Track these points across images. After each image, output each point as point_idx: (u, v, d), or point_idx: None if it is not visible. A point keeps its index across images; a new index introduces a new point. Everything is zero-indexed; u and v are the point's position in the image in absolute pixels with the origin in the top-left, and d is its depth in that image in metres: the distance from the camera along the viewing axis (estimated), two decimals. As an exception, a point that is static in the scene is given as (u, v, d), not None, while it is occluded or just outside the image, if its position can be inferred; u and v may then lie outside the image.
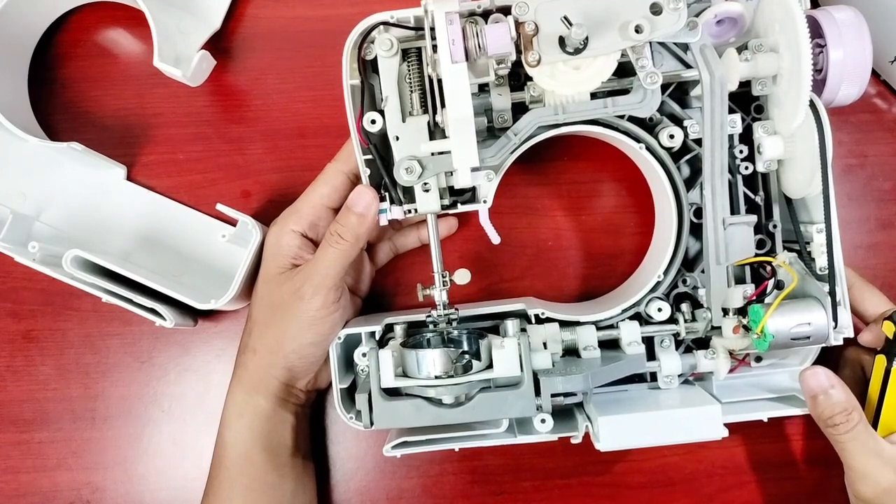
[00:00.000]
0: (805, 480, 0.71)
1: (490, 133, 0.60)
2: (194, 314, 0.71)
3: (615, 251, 0.71)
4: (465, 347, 0.56)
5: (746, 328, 0.59)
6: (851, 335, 0.59)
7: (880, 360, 0.59)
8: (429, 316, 0.60)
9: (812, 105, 0.56)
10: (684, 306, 0.63)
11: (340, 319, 0.61)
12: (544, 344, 0.61)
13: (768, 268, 0.62)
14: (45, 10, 0.70)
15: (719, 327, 0.61)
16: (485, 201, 0.59)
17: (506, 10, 0.54)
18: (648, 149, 0.61)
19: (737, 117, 0.60)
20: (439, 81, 0.54)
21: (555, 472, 0.71)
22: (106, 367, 0.71)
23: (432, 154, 0.56)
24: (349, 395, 0.62)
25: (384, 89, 0.56)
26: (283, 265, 0.62)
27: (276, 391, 0.62)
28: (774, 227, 0.62)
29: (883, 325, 0.59)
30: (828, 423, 0.58)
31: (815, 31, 0.57)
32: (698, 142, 0.60)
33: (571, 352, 0.62)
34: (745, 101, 0.62)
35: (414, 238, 0.69)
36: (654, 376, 0.64)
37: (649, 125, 0.61)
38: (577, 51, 0.52)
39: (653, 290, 0.63)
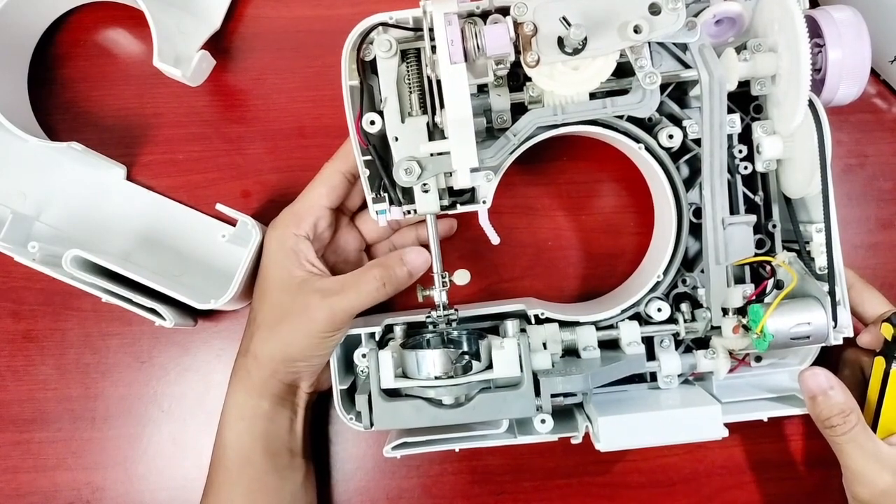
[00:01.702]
0: (805, 480, 0.71)
1: (489, 133, 0.60)
2: (194, 314, 0.71)
3: (615, 251, 0.71)
4: (465, 348, 0.56)
5: (746, 328, 0.59)
6: (851, 335, 0.59)
7: (879, 363, 0.59)
8: (428, 316, 0.60)
9: (811, 105, 0.56)
10: (684, 306, 0.63)
11: (344, 333, 0.61)
12: (544, 344, 0.61)
13: (768, 267, 0.62)
14: (45, 10, 0.70)
15: (719, 327, 0.61)
16: (484, 202, 0.59)
17: (504, 11, 0.54)
18: (648, 149, 0.61)
19: (736, 117, 0.60)
20: (438, 82, 0.54)
21: (555, 472, 0.71)
22: (106, 367, 0.71)
23: (431, 155, 0.56)
24: (349, 395, 0.62)
25: (383, 90, 0.56)
26: (294, 273, 0.61)
27: (278, 393, 0.62)
28: (774, 226, 0.62)
29: (881, 327, 0.59)
30: (826, 424, 0.58)
31: (814, 30, 0.57)
32: (697, 142, 0.60)
33: (571, 352, 0.62)
34: (744, 101, 0.61)
35: (412, 238, 0.69)
36: (653, 376, 0.65)
37: (648, 125, 0.61)
38: (576, 51, 0.52)
39: (652, 290, 0.63)
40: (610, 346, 0.63)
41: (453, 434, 0.59)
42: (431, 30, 0.52)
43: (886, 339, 0.58)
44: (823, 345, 0.59)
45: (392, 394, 0.55)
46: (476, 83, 0.55)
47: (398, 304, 0.71)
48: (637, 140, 0.61)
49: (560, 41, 0.53)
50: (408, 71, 0.57)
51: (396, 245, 0.69)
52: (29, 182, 0.70)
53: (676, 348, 0.64)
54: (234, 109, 0.72)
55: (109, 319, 0.71)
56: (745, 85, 0.60)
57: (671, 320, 0.63)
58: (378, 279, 0.58)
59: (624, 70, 0.56)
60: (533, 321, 0.62)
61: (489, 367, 0.55)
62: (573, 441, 0.60)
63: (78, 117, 0.71)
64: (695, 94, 0.61)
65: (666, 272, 0.63)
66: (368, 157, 0.58)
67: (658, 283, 0.63)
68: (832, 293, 0.58)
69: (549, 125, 0.58)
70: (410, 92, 0.57)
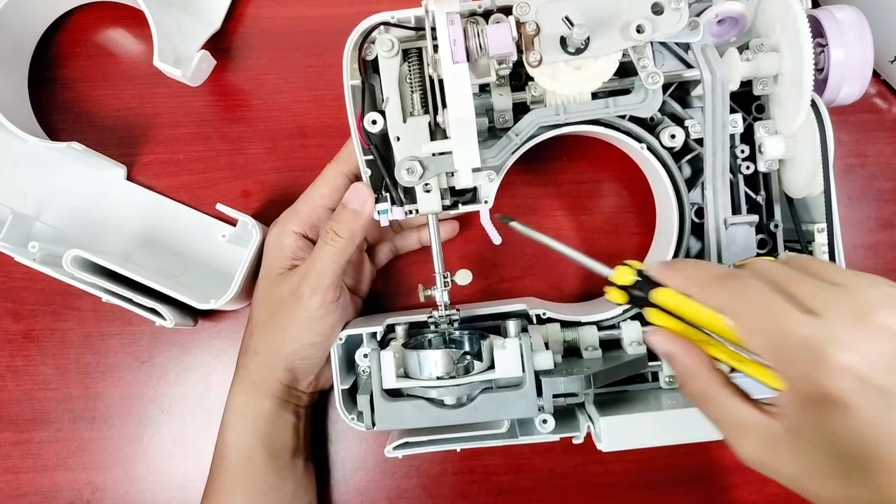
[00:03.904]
0: (805, 480, 0.71)
1: (491, 133, 0.60)
2: (194, 314, 0.71)
3: (616, 251, 0.71)
4: (467, 348, 0.56)
5: (748, 328, 0.59)
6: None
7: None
8: (430, 316, 0.59)
9: (813, 105, 0.56)
10: (685, 306, 0.63)
11: (340, 319, 0.61)
12: (546, 344, 0.60)
13: (769, 268, 0.62)
14: (45, 10, 0.70)
15: (721, 327, 0.61)
16: (486, 202, 0.59)
17: (507, 11, 0.54)
18: (650, 149, 0.61)
19: (738, 117, 0.60)
20: (440, 82, 0.54)
21: (555, 472, 0.71)
22: (106, 367, 0.71)
23: (433, 154, 0.56)
24: (350, 395, 0.62)
25: (385, 90, 0.56)
26: (283, 266, 0.62)
27: (277, 392, 0.62)
28: (776, 226, 0.62)
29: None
30: None
31: (817, 30, 0.57)
32: (700, 142, 0.60)
33: (573, 352, 0.62)
34: (747, 101, 0.61)
35: (414, 240, 0.69)
36: (655, 376, 0.64)
37: (650, 125, 0.61)
38: (579, 51, 0.52)
39: (654, 290, 0.63)
40: (612, 346, 0.62)
41: (455, 434, 0.58)
42: (433, 29, 0.52)
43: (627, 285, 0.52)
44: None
45: (394, 394, 0.55)
46: (478, 83, 0.55)
47: (399, 304, 0.71)
48: (639, 140, 0.61)
49: (563, 41, 0.53)
50: (409, 70, 0.57)
51: (398, 247, 0.70)
52: (29, 182, 0.69)
53: (678, 348, 0.63)
54: (234, 109, 0.72)
55: (109, 319, 0.71)
56: (747, 85, 0.60)
57: (673, 320, 0.63)
58: (328, 231, 0.59)
59: (626, 70, 0.56)
60: (534, 321, 0.62)
61: (491, 367, 0.55)
62: (575, 441, 0.60)
63: (78, 117, 0.71)
64: (697, 93, 0.61)
65: (667, 272, 0.62)
66: (370, 157, 0.58)
67: (660, 283, 0.63)
68: (834, 293, 0.57)
69: (552, 125, 0.58)
70: (412, 91, 0.56)
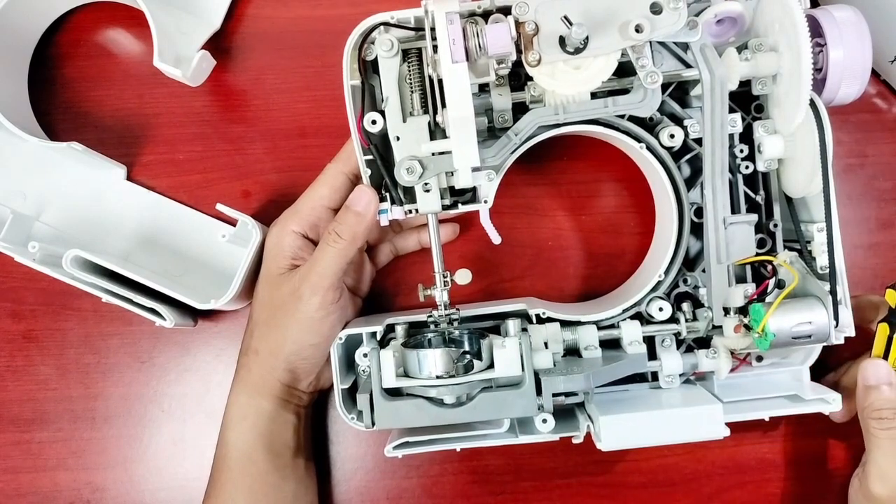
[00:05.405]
0: (805, 480, 0.71)
1: (490, 133, 0.60)
2: (194, 314, 0.71)
3: (616, 251, 0.71)
4: (467, 347, 0.56)
5: (748, 327, 0.59)
6: (853, 334, 0.59)
7: (883, 329, 0.59)
8: (430, 316, 0.59)
9: (812, 104, 0.56)
10: (685, 306, 0.63)
11: (340, 320, 0.61)
12: (545, 344, 0.60)
13: (769, 267, 0.62)
14: (45, 10, 0.70)
15: (720, 326, 0.61)
16: (485, 201, 0.59)
17: (506, 10, 0.54)
18: (649, 148, 0.61)
19: (737, 116, 0.60)
20: (440, 81, 0.54)
21: (555, 472, 0.71)
22: (106, 367, 0.71)
23: (433, 154, 0.56)
24: (350, 395, 0.62)
25: (385, 89, 0.56)
26: (283, 266, 0.62)
27: (278, 392, 0.62)
28: (775, 226, 0.62)
29: (886, 293, 0.59)
30: (874, 416, 0.58)
31: (815, 30, 0.57)
32: (699, 141, 0.60)
33: (573, 351, 0.62)
34: (746, 101, 0.62)
35: (414, 241, 0.69)
36: (655, 376, 0.64)
37: (650, 125, 0.61)
38: (578, 50, 0.52)
39: (654, 289, 0.63)
40: (611, 345, 0.62)
41: (455, 434, 0.59)
42: (433, 29, 0.52)
43: (891, 305, 0.59)
44: (825, 344, 0.59)
45: (393, 393, 0.55)
46: (477, 82, 0.55)
47: (399, 304, 0.72)
48: (638, 139, 0.61)
49: (562, 40, 0.53)
50: (409, 70, 0.57)
51: (397, 247, 0.70)
52: (29, 182, 0.69)
53: (678, 348, 0.64)
54: (234, 109, 0.72)
55: (109, 319, 0.71)
56: (746, 84, 0.60)
57: (672, 320, 0.63)
58: (330, 232, 0.59)
59: (625, 69, 0.56)
60: (534, 321, 0.62)
61: (490, 366, 0.55)
62: (574, 441, 0.60)
63: (78, 117, 0.71)
64: (696, 93, 0.61)
65: (667, 272, 0.63)
66: (370, 157, 0.58)
67: (659, 283, 0.63)
68: (833, 292, 0.58)
69: (551, 124, 0.58)
70: (412, 91, 0.57)
